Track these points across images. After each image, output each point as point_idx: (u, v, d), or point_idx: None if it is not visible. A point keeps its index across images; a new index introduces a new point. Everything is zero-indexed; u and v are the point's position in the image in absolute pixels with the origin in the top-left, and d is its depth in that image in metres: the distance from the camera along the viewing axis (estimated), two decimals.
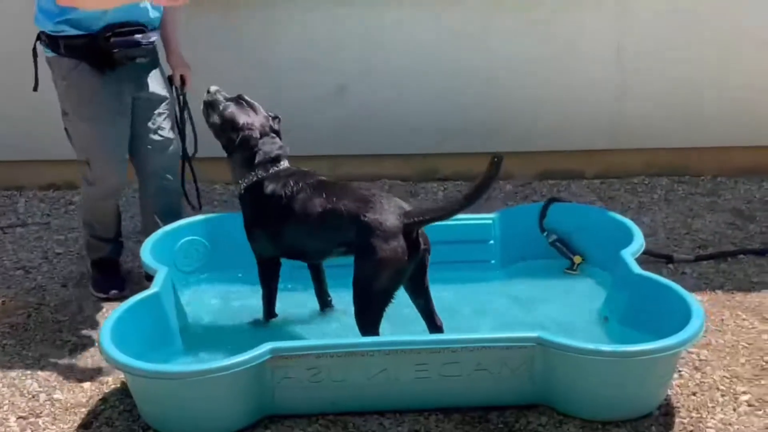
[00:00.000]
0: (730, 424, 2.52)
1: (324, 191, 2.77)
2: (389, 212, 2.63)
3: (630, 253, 2.97)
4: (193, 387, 2.44)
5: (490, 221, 3.29)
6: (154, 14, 3.13)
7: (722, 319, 3.10)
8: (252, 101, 2.97)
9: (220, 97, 2.94)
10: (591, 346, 2.46)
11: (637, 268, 2.87)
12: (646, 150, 4.37)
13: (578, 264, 3.29)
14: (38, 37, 3.17)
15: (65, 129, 3.26)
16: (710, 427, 2.51)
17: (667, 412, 2.58)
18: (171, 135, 3.32)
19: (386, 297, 2.65)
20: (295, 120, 4.06)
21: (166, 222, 3.28)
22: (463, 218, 3.29)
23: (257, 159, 2.86)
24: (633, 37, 4.19)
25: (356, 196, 2.71)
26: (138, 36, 3.05)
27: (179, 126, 3.36)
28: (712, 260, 3.53)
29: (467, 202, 2.64)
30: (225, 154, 3.03)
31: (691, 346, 2.62)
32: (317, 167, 3.84)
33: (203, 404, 2.47)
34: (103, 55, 3.03)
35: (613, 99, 4.28)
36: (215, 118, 2.93)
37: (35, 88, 3.25)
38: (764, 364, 2.82)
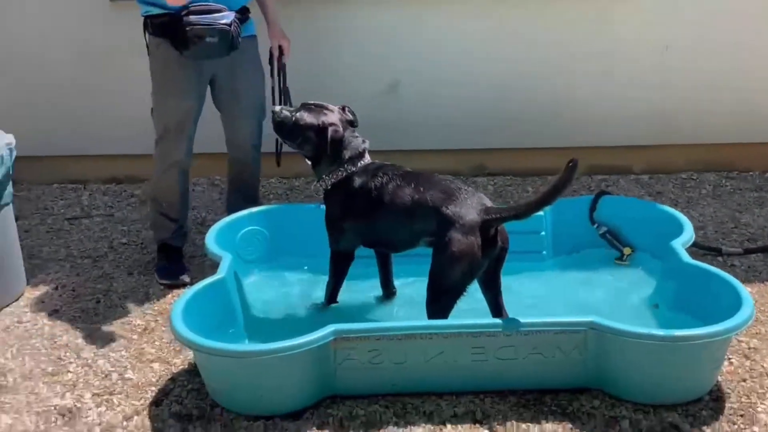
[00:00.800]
0: None
1: (412, 182, 2.84)
2: (470, 207, 2.69)
3: (680, 243, 3.03)
4: (259, 366, 2.56)
5: (542, 213, 3.36)
6: None
7: None
8: (318, 102, 3.03)
9: (287, 113, 2.99)
10: (644, 330, 2.53)
11: (687, 258, 2.94)
12: (694, 145, 4.41)
13: (628, 255, 3.36)
14: (144, 23, 3.39)
15: (152, 107, 3.48)
16: (760, 412, 2.57)
17: (717, 397, 2.64)
18: (248, 119, 3.52)
19: (458, 290, 2.72)
20: None
21: (243, 202, 3.55)
22: None
23: (346, 155, 2.93)
24: (679, 34, 4.24)
25: (441, 188, 2.78)
26: (213, 15, 3.17)
27: (281, 94, 3.54)
28: (761, 253, 3.56)
29: (543, 204, 2.65)
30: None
31: (741, 333, 2.68)
32: None
33: (269, 383, 2.60)
34: (179, 33, 3.17)
35: (659, 94, 4.33)
36: (294, 131, 2.96)
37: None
38: None
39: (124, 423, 2.65)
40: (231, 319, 2.96)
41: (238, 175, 3.69)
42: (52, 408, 2.73)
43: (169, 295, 3.41)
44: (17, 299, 3.41)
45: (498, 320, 2.72)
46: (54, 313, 3.31)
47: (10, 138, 3.33)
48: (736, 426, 2.52)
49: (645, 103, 4.35)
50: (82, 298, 3.43)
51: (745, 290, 2.67)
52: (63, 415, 2.70)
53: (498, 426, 2.56)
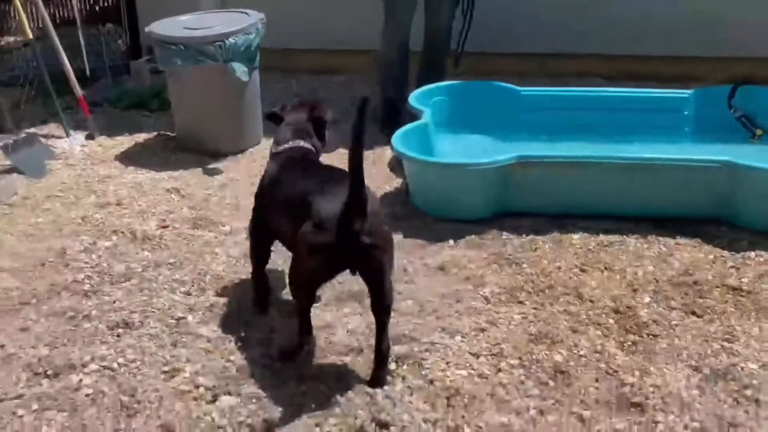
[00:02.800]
0: None
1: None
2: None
3: None
4: (459, 177, 3.41)
5: (687, 95, 4.03)
6: None
7: None
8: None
9: None
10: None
11: None
12: None
13: (759, 135, 3.96)
14: None
15: None
16: None
17: None
18: (446, 6, 4.38)
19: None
20: (504, 18, 4.92)
21: (430, 72, 4.38)
22: (664, 92, 4.10)
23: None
24: None
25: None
26: None
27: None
28: None
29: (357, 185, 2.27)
30: None
31: None
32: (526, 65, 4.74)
33: (462, 193, 3.44)
34: None
35: None
36: None
37: None
38: None
39: None
40: (429, 153, 3.78)
41: (431, 56, 4.52)
42: None
43: (374, 149, 4.28)
44: (258, 143, 4.40)
45: (648, 154, 3.41)
46: None
47: (261, 15, 4.29)
48: None
49: None
50: None
51: None
52: None
53: (641, 238, 3.29)
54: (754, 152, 3.81)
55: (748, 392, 2.38)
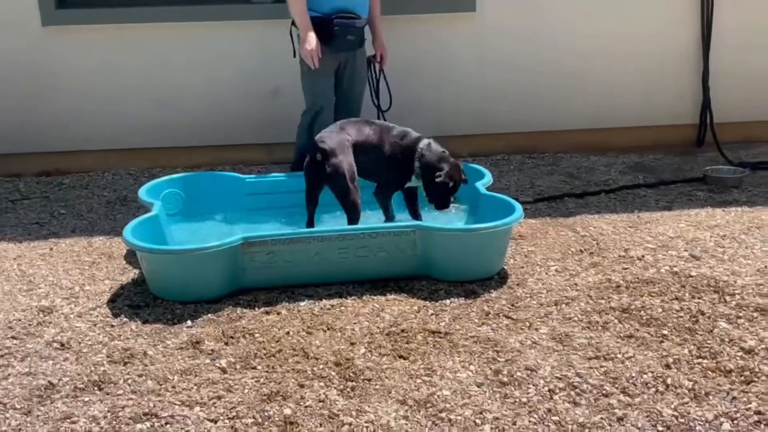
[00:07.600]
0: (541, 279, 3.91)
1: None
2: None
3: (481, 184, 4.38)
4: (187, 262, 3.66)
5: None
6: (363, 8, 4.67)
7: (547, 232, 4.51)
8: None
9: None
10: (450, 226, 3.83)
11: (483, 190, 4.28)
12: (506, 134, 5.84)
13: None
14: (292, 22, 4.64)
15: (302, 82, 4.74)
16: (530, 282, 3.89)
17: (503, 275, 3.94)
18: (358, 97, 4.84)
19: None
20: None
21: None
22: None
23: None
24: (492, 52, 5.72)
25: None
26: (353, 20, 4.58)
27: (374, 89, 4.90)
28: (546, 201, 4.97)
29: None
30: None
31: (514, 225, 3.98)
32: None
33: (196, 276, 3.69)
34: (328, 30, 4.48)
35: (481, 96, 5.76)
36: None
37: (294, 56, 4.68)
38: (570, 251, 4.23)
39: (91, 312, 3.67)
40: (161, 242, 4.01)
41: None
42: (34, 307, 3.72)
43: (109, 243, 4.43)
44: None
45: (356, 226, 3.93)
46: (19, 257, 4.28)
47: None
48: (512, 289, 3.82)
49: (469, 103, 5.75)
50: (39, 247, 4.40)
51: (519, 205, 4.01)
52: (43, 311, 3.68)
53: (357, 299, 3.76)
54: (447, 218, 4.48)
55: (443, 414, 2.86)
